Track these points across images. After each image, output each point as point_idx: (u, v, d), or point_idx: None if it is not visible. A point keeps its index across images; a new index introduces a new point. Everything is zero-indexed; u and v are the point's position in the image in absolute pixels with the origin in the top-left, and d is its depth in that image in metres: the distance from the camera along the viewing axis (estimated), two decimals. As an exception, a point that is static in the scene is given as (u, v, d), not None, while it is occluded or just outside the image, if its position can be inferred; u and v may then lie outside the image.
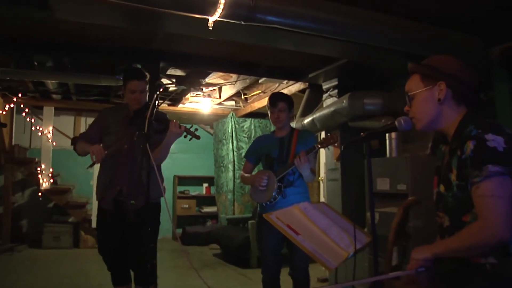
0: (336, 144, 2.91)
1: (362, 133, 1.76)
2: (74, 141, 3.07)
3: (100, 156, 2.78)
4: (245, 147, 7.26)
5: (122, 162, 2.94)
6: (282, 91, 5.69)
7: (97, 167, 3.05)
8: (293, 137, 3.20)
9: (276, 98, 3.21)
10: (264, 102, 6.48)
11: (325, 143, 2.98)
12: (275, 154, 3.18)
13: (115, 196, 2.95)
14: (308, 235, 1.77)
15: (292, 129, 3.29)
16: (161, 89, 2.76)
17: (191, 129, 2.86)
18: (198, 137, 2.87)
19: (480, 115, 1.61)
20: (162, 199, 2.93)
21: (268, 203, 3.07)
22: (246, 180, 3.32)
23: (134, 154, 2.91)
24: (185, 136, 2.89)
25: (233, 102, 7.71)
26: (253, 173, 3.37)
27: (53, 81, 5.95)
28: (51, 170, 7.28)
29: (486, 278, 1.44)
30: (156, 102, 2.67)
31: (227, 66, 4.94)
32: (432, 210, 1.71)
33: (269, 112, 3.25)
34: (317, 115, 4.78)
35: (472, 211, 1.48)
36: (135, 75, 3.04)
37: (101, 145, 2.93)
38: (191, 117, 8.31)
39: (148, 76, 3.08)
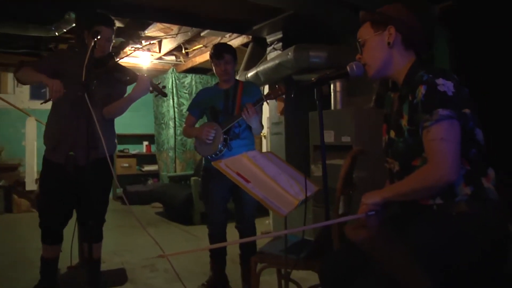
0: (284, 96, 2.87)
1: (313, 78, 1.72)
2: (19, 65, 2.72)
3: (59, 94, 2.54)
4: (186, 104, 7.07)
5: (75, 109, 2.66)
6: (225, 44, 5.55)
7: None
8: (238, 89, 3.12)
9: (221, 50, 3.10)
10: (206, 56, 6.29)
11: (272, 95, 2.92)
12: (221, 106, 3.10)
13: (70, 148, 2.72)
14: (258, 182, 1.74)
15: (237, 81, 3.21)
16: (99, 37, 2.57)
17: (159, 85, 2.73)
18: (165, 95, 2.76)
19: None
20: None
21: (213, 155, 3.00)
22: (191, 133, 3.22)
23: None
24: (151, 91, 2.75)
25: (173, 57, 7.43)
26: (197, 126, 3.28)
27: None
28: (-24, 131, 6.80)
29: (431, 217, 1.48)
30: (94, 50, 2.48)
31: (168, 16, 4.69)
32: (376, 161, 1.74)
33: (213, 65, 3.14)
34: (261, 68, 4.69)
35: (422, 155, 1.50)
36: (107, 21, 2.78)
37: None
38: (130, 73, 7.95)
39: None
